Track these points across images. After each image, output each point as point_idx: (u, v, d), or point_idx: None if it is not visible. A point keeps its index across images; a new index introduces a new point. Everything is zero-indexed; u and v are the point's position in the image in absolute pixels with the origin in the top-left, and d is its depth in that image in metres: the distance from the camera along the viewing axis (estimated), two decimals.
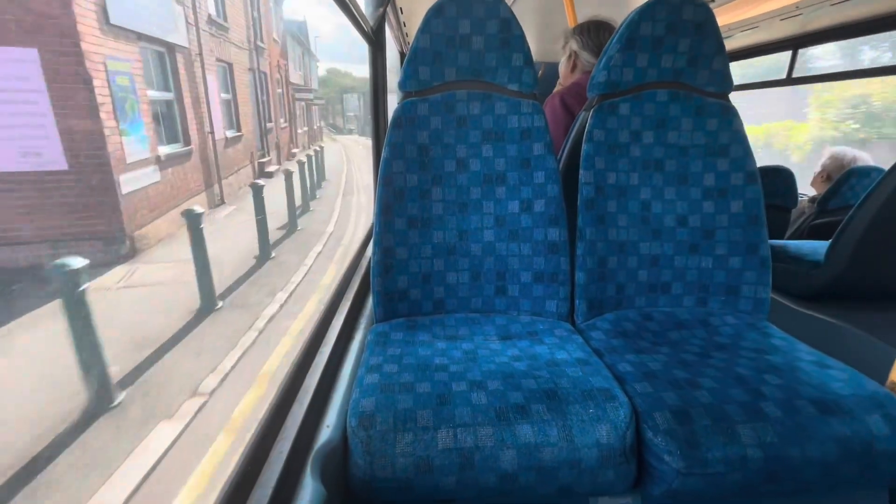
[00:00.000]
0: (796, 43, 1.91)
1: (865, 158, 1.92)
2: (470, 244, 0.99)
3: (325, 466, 0.62)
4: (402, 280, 0.97)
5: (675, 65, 0.98)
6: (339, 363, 0.89)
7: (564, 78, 1.45)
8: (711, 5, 1.70)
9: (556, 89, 1.47)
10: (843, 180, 1.78)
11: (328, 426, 0.69)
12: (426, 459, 0.62)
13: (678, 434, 0.65)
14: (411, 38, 1.69)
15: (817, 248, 1.30)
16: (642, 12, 0.94)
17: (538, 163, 0.98)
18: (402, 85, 0.98)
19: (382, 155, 0.97)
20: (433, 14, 0.94)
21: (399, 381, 0.72)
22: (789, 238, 1.98)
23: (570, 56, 1.39)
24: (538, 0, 2.04)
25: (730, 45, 2.21)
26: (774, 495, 0.73)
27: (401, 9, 2.08)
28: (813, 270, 1.24)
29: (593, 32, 1.33)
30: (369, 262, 1.00)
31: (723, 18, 1.86)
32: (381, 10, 1.59)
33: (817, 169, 2.07)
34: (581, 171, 0.98)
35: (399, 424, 0.64)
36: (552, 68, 2.57)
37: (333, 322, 0.98)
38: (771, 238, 1.06)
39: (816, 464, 0.65)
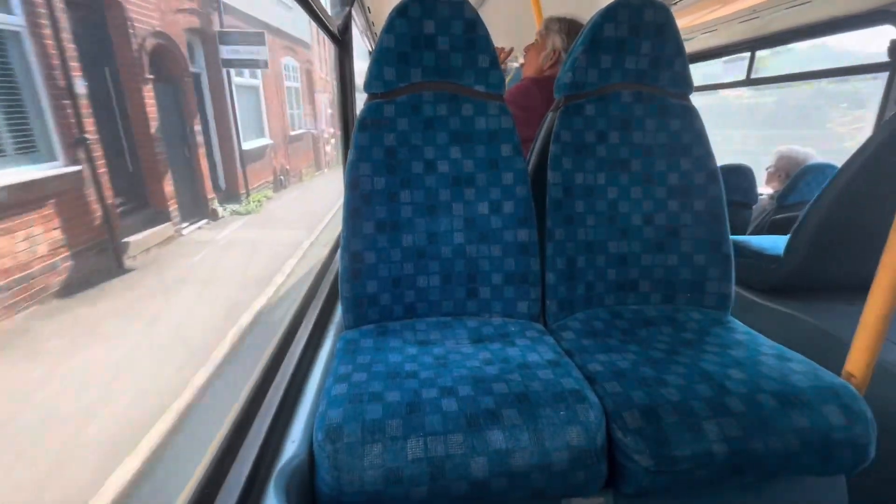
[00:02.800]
0: (754, 45, 1.98)
1: (813, 155, 2.03)
2: (440, 247, 0.98)
3: (290, 484, 0.60)
4: (371, 285, 0.95)
5: (637, 66, 0.99)
6: (306, 374, 0.86)
7: (542, 69, 1.43)
8: (672, 8, 1.74)
9: (530, 75, 1.45)
10: (799, 176, 1.85)
11: (293, 441, 0.66)
12: (396, 471, 0.61)
13: (647, 433, 0.65)
14: None
15: (777, 242, 1.34)
16: (605, 14, 0.95)
17: (506, 164, 0.98)
18: (368, 86, 0.96)
19: (349, 158, 0.95)
20: (397, 14, 0.92)
21: (368, 390, 0.70)
22: (751, 234, 2.05)
23: (551, 51, 1.39)
24: (508, 2, 2.05)
25: (691, 46, 2.28)
26: (739, 488, 0.74)
27: (369, 8, 2.06)
28: (773, 264, 1.29)
29: (575, 33, 1.32)
30: (338, 267, 0.97)
31: (683, 21, 1.92)
32: (347, 9, 1.56)
33: (770, 169, 2.16)
34: (549, 172, 0.98)
35: (367, 436, 0.62)
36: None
37: (300, 331, 0.95)
38: (733, 234, 1.09)
39: (778, 455, 0.66)
